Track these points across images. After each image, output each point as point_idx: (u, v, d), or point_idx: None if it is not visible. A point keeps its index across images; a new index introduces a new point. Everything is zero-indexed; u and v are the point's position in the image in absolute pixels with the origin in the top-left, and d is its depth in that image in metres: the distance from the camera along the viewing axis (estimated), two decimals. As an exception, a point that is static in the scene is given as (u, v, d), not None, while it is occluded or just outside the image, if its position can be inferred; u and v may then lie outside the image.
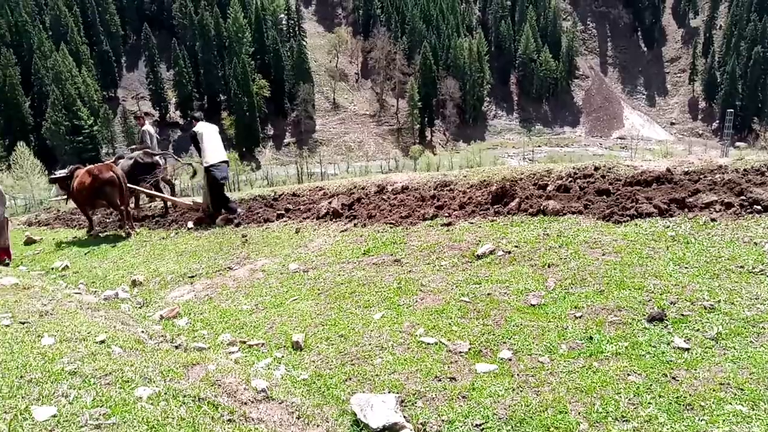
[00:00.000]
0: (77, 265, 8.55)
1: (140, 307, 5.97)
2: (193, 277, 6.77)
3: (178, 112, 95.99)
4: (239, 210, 9.75)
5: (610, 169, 7.61)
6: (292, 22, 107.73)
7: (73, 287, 6.87)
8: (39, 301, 4.99)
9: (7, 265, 9.46)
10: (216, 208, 9.88)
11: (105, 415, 2.56)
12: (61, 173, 11.52)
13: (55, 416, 2.52)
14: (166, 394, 2.87)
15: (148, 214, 12.08)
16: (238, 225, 9.22)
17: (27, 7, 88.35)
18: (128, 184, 10.68)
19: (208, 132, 9.94)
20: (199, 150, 9.96)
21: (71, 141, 75.63)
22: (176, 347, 4.19)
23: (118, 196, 10.23)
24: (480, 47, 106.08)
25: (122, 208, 10.28)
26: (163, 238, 9.20)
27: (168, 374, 3.17)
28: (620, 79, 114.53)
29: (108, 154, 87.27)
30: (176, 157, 12.21)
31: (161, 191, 11.90)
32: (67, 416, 2.53)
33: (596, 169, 7.73)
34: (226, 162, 9.88)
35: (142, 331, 4.53)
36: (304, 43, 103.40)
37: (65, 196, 11.92)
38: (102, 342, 3.73)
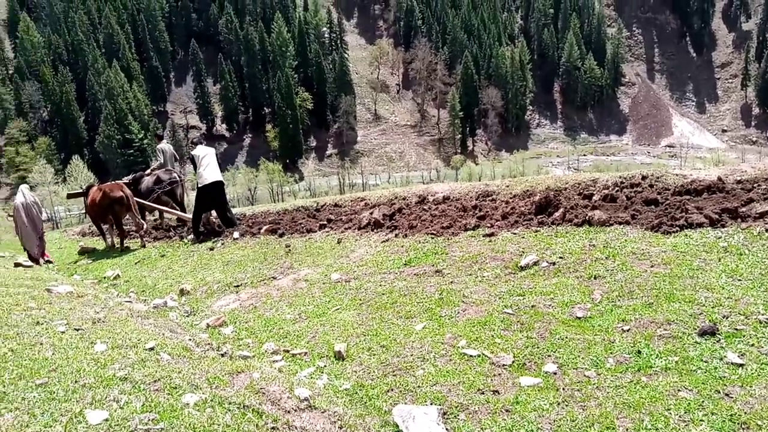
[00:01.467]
0: (128, 275, 8.84)
1: (188, 316, 6.13)
2: (238, 286, 6.90)
3: (224, 125, 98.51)
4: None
5: (658, 178, 7.41)
6: (334, 35, 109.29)
7: (124, 296, 7.10)
8: (92, 308, 5.18)
9: (49, 263, 10.83)
10: (197, 222, 10.63)
11: (154, 420, 2.64)
12: (76, 191, 12.70)
13: (107, 420, 2.60)
14: (212, 401, 2.94)
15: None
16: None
17: (83, 26, 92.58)
18: (140, 200, 11.79)
19: (204, 155, 10.60)
20: (196, 170, 10.63)
21: (122, 154, 78.52)
22: (222, 355, 4.28)
23: (125, 214, 11.16)
24: (522, 56, 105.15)
25: (125, 225, 11.37)
26: (211, 249, 9.43)
27: (214, 381, 3.24)
28: (668, 86, 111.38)
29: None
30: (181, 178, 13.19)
31: (181, 204, 12.84)
32: (118, 420, 2.61)
33: (644, 178, 7.54)
34: (220, 182, 10.62)
35: (190, 339, 4.65)
36: (346, 55, 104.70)
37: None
38: (151, 349, 3.84)
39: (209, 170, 10.45)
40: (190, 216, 11.44)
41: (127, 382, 3.07)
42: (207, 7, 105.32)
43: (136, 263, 9.62)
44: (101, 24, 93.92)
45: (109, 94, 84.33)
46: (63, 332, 4.08)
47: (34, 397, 2.80)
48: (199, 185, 10.45)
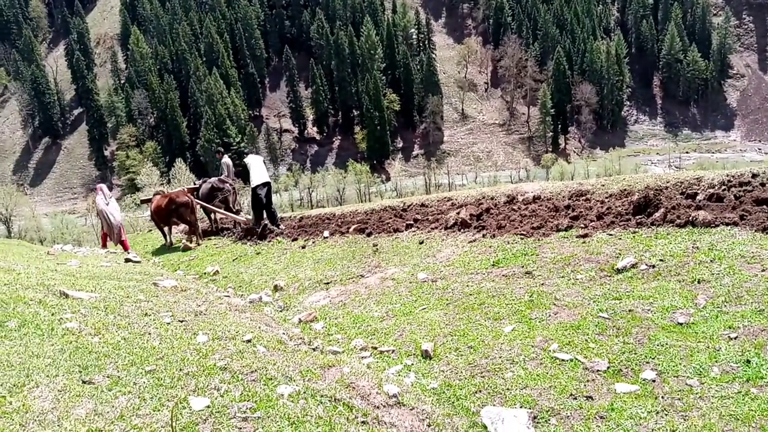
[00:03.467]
0: (226, 271, 9.33)
1: (281, 311, 6.37)
2: (328, 283, 7.09)
3: (315, 128, 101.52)
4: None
5: (772, 176, 6.81)
6: (422, 35, 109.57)
7: (223, 291, 7.51)
8: (194, 302, 5.52)
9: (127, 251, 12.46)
10: (259, 219, 12.03)
11: (251, 409, 2.77)
12: (147, 197, 14.82)
13: (208, 407, 2.77)
14: (305, 392, 3.04)
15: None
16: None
17: (185, 36, 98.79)
18: (201, 203, 13.63)
19: (254, 162, 12.37)
20: (248, 176, 12.31)
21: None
22: (313, 349, 4.42)
23: (189, 215, 12.72)
24: (619, 49, 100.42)
25: (194, 224, 12.84)
26: (303, 247, 9.74)
27: (306, 374, 3.35)
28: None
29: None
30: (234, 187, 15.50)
31: (231, 210, 14.51)
32: (219, 408, 2.77)
33: (754, 176, 6.96)
34: (268, 183, 12.16)
35: (283, 333, 4.83)
36: (434, 55, 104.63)
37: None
38: (248, 341, 4.03)
39: (259, 173, 12.10)
40: (243, 218, 13.35)
41: (226, 372, 3.24)
42: (300, 13, 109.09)
43: (233, 260, 10.13)
44: (202, 34, 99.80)
45: (209, 100, 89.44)
46: (168, 323, 4.37)
47: (144, 382, 3.02)
48: (252, 185, 12.03)
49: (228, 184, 14.68)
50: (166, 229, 13.41)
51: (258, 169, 12.20)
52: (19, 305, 4.21)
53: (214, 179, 14.83)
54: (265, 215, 12.14)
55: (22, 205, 69.48)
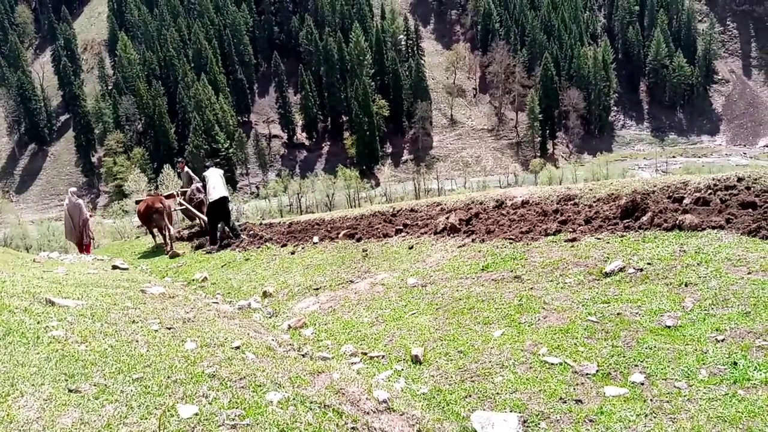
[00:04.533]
0: (215, 277, 9.27)
1: (270, 317, 6.34)
2: (317, 289, 7.07)
3: (304, 134, 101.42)
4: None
5: (756, 179, 6.90)
6: (411, 42, 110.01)
7: (211, 297, 7.46)
8: (182, 309, 5.47)
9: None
10: (214, 234, 12.55)
11: (240, 416, 2.75)
12: (139, 198, 15.63)
13: (197, 414, 2.74)
14: (294, 399, 3.02)
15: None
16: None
17: (174, 42, 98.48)
18: (188, 206, 14.71)
19: (212, 176, 12.72)
20: (205, 189, 12.85)
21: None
22: (303, 355, 4.40)
23: (164, 221, 13.33)
24: (606, 55, 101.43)
25: (167, 229, 13.43)
26: (292, 253, 9.71)
27: (296, 381, 3.33)
28: (767, 82, 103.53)
29: (242, 174, 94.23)
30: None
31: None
32: (207, 415, 2.75)
33: (740, 180, 7.04)
34: (224, 197, 12.47)
35: (272, 339, 4.81)
36: (422, 61, 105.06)
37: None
38: (237, 348, 4.00)
39: (216, 189, 12.46)
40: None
41: (215, 379, 3.21)
42: (288, 19, 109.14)
43: (222, 267, 10.08)
44: (190, 40, 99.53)
45: (197, 106, 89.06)
46: (156, 330, 4.32)
47: (131, 390, 2.99)
48: (210, 201, 12.49)
49: (203, 194, 15.66)
50: (155, 230, 14.23)
51: (215, 183, 12.59)
52: (4, 313, 4.15)
53: (193, 186, 15.64)
54: (219, 227, 12.61)
55: (7, 213, 68.79)
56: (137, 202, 15.95)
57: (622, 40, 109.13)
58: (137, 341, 3.90)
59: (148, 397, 2.91)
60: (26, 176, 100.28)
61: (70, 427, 2.57)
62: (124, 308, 4.99)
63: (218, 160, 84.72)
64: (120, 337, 3.95)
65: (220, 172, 13.23)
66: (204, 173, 13.02)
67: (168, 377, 3.20)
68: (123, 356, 3.51)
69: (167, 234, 13.18)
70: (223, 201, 12.44)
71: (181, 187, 16.22)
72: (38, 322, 4.06)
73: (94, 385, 3.03)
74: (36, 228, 65.33)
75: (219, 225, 12.59)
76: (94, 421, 2.63)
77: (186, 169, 16.41)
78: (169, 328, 4.45)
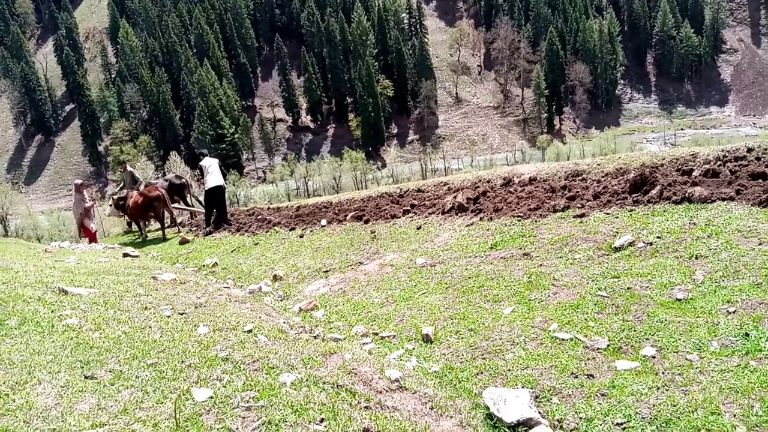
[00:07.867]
0: (225, 262, 9.32)
1: (281, 300, 6.38)
2: (327, 271, 7.10)
3: (308, 117, 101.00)
4: (224, 226, 12.80)
5: (766, 149, 6.82)
6: (414, 20, 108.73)
7: (222, 282, 7.51)
8: (194, 294, 5.52)
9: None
10: (208, 218, 13.24)
11: (254, 398, 2.78)
12: (121, 195, 16.09)
13: (211, 398, 2.78)
14: (307, 380, 3.05)
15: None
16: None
17: (175, 28, 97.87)
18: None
19: (209, 165, 13.08)
20: (203, 177, 13.20)
21: (216, 148, 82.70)
22: (315, 337, 4.43)
23: (166, 206, 13.77)
24: (611, 28, 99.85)
25: (168, 215, 13.93)
26: (300, 236, 9.74)
27: (308, 362, 3.36)
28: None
29: (248, 159, 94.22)
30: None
31: (185, 202, 16.65)
32: (222, 398, 2.78)
33: (749, 150, 6.96)
34: (220, 186, 12.98)
35: (284, 322, 4.85)
36: (426, 39, 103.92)
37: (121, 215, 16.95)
38: (249, 331, 4.04)
39: (212, 177, 12.83)
40: (197, 209, 15.53)
41: (228, 363, 3.25)
42: (289, 1, 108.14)
43: (231, 252, 10.12)
44: (192, 25, 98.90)
45: (201, 91, 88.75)
46: (169, 316, 4.37)
47: (146, 375, 3.03)
48: (205, 189, 12.96)
49: (184, 180, 16.89)
50: (142, 223, 14.88)
51: (212, 173, 12.91)
52: (19, 303, 4.20)
53: (171, 175, 16.48)
54: (214, 214, 13.08)
55: (17, 204, 69.22)
56: (121, 199, 16.03)
57: (628, 12, 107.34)
58: (150, 327, 3.95)
59: (162, 382, 2.95)
60: (34, 167, 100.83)
61: (87, 412, 2.61)
62: (136, 295, 5.04)
63: (224, 145, 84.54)
64: (133, 324, 3.99)
65: (218, 161, 13.61)
66: (201, 162, 13.44)
67: (182, 362, 3.24)
68: (137, 342, 3.55)
69: (171, 219, 13.67)
70: (218, 189, 12.90)
71: (120, 188, 16.83)
72: (52, 311, 4.11)
73: (110, 372, 3.07)
74: (46, 218, 65.87)
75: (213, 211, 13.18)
76: (111, 406, 2.67)
77: (129, 169, 16.92)
78: (182, 314, 4.49)
